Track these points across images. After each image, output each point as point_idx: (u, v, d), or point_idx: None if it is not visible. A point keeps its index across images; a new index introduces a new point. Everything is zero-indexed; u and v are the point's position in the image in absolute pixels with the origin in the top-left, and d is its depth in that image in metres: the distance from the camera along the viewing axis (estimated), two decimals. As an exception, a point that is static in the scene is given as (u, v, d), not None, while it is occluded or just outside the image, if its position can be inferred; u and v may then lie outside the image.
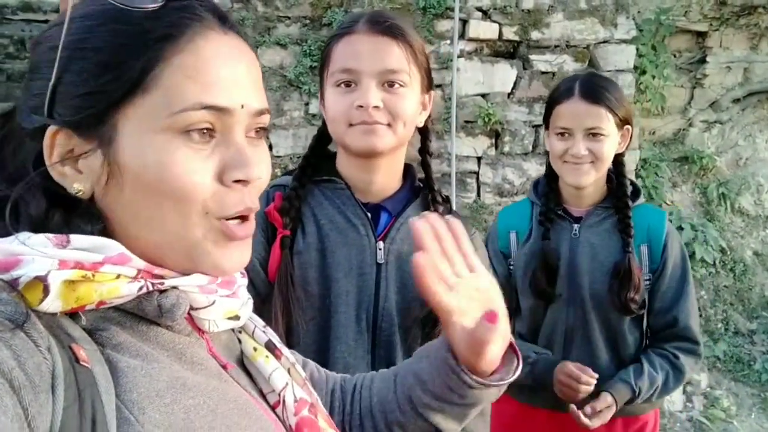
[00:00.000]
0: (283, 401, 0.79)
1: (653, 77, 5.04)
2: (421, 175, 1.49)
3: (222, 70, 0.68)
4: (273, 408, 0.80)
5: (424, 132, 1.45)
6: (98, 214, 0.68)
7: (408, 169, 1.46)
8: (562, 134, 1.83)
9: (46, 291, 0.59)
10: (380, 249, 1.34)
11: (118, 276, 0.64)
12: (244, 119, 0.70)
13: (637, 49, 4.90)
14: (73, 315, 0.63)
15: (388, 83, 1.28)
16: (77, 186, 0.67)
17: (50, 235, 0.63)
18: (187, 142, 0.66)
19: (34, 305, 0.59)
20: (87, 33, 0.66)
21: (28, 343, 0.56)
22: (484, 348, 0.87)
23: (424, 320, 1.34)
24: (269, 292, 1.32)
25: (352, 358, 1.32)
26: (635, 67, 4.92)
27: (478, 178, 4.79)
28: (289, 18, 4.67)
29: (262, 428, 0.72)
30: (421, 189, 1.45)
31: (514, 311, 2.01)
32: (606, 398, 1.80)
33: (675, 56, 5.31)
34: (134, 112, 0.65)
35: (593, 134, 1.79)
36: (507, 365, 0.95)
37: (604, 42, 4.81)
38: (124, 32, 0.66)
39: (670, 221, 1.96)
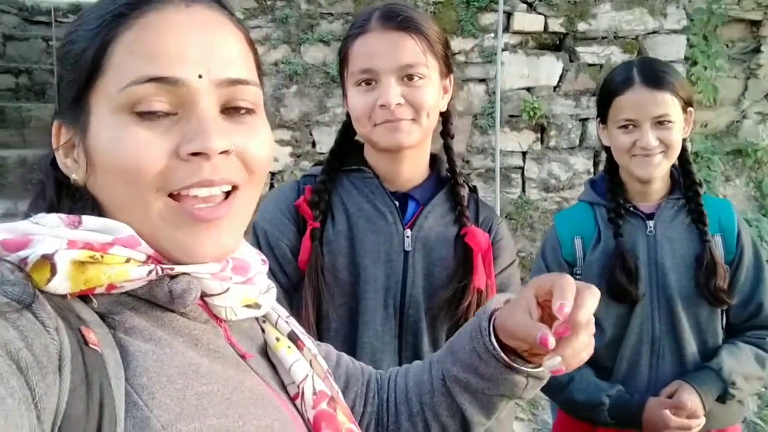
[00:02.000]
0: (302, 393, 0.78)
1: (705, 68, 4.88)
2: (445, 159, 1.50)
3: (170, 42, 0.66)
4: (293, 400, 0.79)
5: (446, 115, 1.46)
6: (91, 202, 0.69)
7: (435, 159, 1.48)
8: (626, 127, 1.73)
9: (53, 270, 0.59)
10: (407, 237, 1.38)
11: (128, 260, 0.64)
12: (208, 90, 0.67)
13: (688, 40, 4.76)
14: (85, 298, 0.63)
15: (407, 77, 1.30)
16: (74, 176, 0.70)
17: (63, 215, 0.64)
18: (138, 118, 0.65)
19: (41, 285, 0.59)
20: (71, 31, 0.70)
21: (35, 323, 0.55)
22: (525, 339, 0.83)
23: (449, 301, 1.36)
24: (300, 279, 1.35)
25: (379, 343, 1.36)
26: (686, 58, 4.78)
27: (523, 174, 4.72)
28: (332, 14, 4.67)
29: (277, 419, 0.70)
30: (448, 178, 1.46)
31: None
32: (682, 394, 1.70)
33: (728, 46, 5.13)
34: (97, 96, 0.66)
35: (661, 122, 1.70)
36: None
37: (654, 32, 4.69)
38: (89, 20, 0.68)
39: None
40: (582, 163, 4.67)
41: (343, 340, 1.35)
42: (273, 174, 4.70)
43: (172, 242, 0.67)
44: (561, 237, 1.89)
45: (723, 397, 1.76)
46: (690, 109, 1.77)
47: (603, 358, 1.83)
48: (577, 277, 1.84)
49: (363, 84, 1.32)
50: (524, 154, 4.70)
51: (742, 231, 1.80)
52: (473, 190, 1.50)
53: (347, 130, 1.47)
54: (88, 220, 0.64)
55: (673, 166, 1.83)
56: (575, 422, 1.88)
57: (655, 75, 1.72)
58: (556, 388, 1.79)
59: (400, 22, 1.29)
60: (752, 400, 4.16)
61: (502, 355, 0.88)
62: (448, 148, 1.48)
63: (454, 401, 0.94)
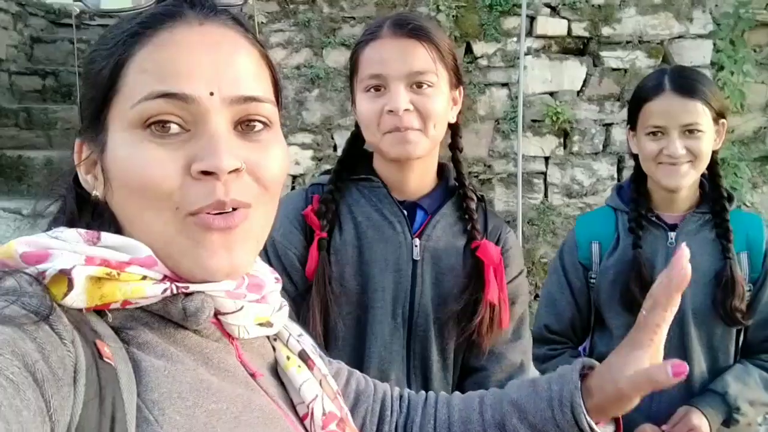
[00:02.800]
0: (312, 413, 0.78)
1: (732, 73, 4.81)
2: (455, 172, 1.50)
3: (182, 59, 0.66)
4: (302, 420, 0.78)
5: (454, 128, 1.45)
6: (109, 219, 0.70)
7: (443, 168, 1.47)
8: (654, 134, 1.70)
9: (70, 285, 0.60)
10: (416, 246, 1.38)
11: (144, 277, 0.64)
12: (218, 108, 0.66)
13: (714, 45, 4.70)
14: (100, 312, 0.64)
15: (416, 84, 1.30)
16: (95, 192, 0.71)
17: (82, 231, 0.65)
18: (150, 135, 0.65)
19: (59, 299, 0.59)
20: (93, 50, 0.71)
21: (52, 336, 0.56)
22: (640, 392, 0.84)
23: (460, 314, 1.36)
24: (307, 289, 1.35)
25: (387, 353, 1.35)
26: (712, 63, 4.72)
27: (545, 179, 4.69)
28: (354, 18, 4.68)
29: None
30: (456, 188, 1.46)
31: (592, 328, 1.91)
32: (693, 417, 1.67)
33: (755, 51, 5.06)
34: (114, 115, 0.67)
35: (690, 131, 1.66)
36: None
37: (679, 37, 4.64)
38: (108, 40, 0.69)
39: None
40: (605, 168, 4.62)
41: (351, 350, 1.35)
42: (294, 177, 4.72)
43: (186, 255, 0.66)
44: (579, 240, 1.88)
45: (727, 422, 1.72)
46: (722, 120, 1.72)
47: None
48: (592, 281, 1.85)
49: (372, 90, 1.32)
50: (547, 159, 4.67)
51: None
52: (481, 199, 1.49)
53: (356, 139, 1.47)
54: (107, 237, 0.65)
55: (704, 176, 1.80)
56: None
57: (686, 83, 1.68)
58: None
59: (411, 29, 1.29)
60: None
61: (596, 428, 0.87)
62: (456, 161, 1.47)
63: None
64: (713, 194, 1.77)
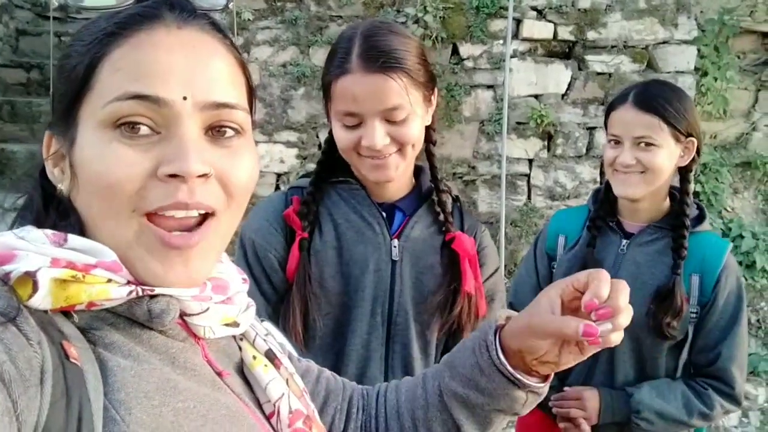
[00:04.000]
0: (278, 412, 0.78)
1: (715, 79, 4.86)
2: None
3: (157, 61, 0.66)
4: (268, 418, 0.79)
5: (429, 125, 1.44)
6: (75, 215, 0.69)
7: (420, 170, 1.49)
8: (614, 142, 1.78)
9: (35, 287, 0.60)
10: (395, 246, 1.40)
11: (109, 280, 0.64)
12: (190, 113, 0.66)
13: (699, 50, 4.74)
14: (66, 313, 0.64)
15: (392, 116, 1.29)
16: (60, 185, 0.70)
17: (48, 232, 0.64)
18: (120, 136, 0.65)
19: (24, 300, 0.60)
20: (69, 45, 0.71)
21: (19, 337, 0.56)
22: (548, 336, 0.85)
23: (440, 307, 1.39)
24: (286, 290, 1.37)
25: (365, 351, 1.38)
26: (696, 69, 4.76)
27: (529, 181, 4.72)
28: (341, 17, 4.68)
29: None
30: (432, 189, 1.47)
31: None
32: (586, 391, 1.78)
33: (739, 57, 5.10)
34: (84, 111, 0.67)
35: (642, 143, 1.72)
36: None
37: (664, 42, 4.67)
38: (85, 36, 0.69)
39: (732, 240, 1.84)
40: (588, 171, 4.65)
41: (328, 349, 1.37)
42: (279, 175, 4.72)
43: (143, 264, 0.66)
44: (549, 231, 2.01)
45: (626, 424, 1.78)
46: (690, 139, 1.75)
47: None
48: (552, 270, 1.95)
49: (347, 120, 1.31)
50: (530, 161, 4.69)
51: (726, 277, 1.75)
52: (456, 199, 1.52)
53: (334, 143, 1.44)
54: (74, 239, 0.65)
55: (677, 190, 1.82)
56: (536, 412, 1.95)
57: (646, 98, 1.73)
58: None
59: (382, 64, 1.26)
60: (755, 415, 4.13)
61: (509, 368, 0.88)
62: (429, 154, 1.48)
63: (451, 417, 0.94)
64: (678, 210, 1.79)
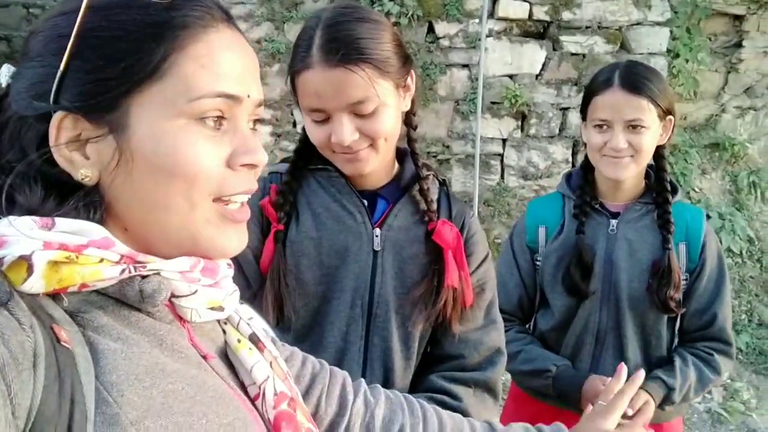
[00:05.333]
0: (263, 394, 0.80)
1: (687, 61, 4.91)
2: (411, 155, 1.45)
3: (232, 62, 0.72)
4: (253, 401, 0.81)
5: (408, 110, 1.38)
6: (100, 200, 0.69)
7: (405, 154, 1.43)
8: (600, 126, 1.76)
9: (30, 270, 0.61)
10: (377, 236, 1.35)
11: (101, 260, 0.65)
12: (248, 108, 0.75)
13: (671, 32, 4.78)
14: (54, 296, 0.65)
15: (359, 110, 1.23)
16: (84, 171, 0.68)
17: (36, 218, 0.64)
18: (201, 128, 0.70)
19: (17, 285, 0.60)
20: (104, 22, 0.68)
21: (12, 321, 0.56)
22: None
23: (423, 300, 1.34)
24: (262, 283, 1.32)
25: (344, 343, 1.34)
26: (668, 50, 4.81)
27: (502, 161, 4.75)
28: (316, -7, 4.64)
29: (239, 418, 0.73)
30: (416, 175, 1.42)
31: (537, 307, 1.99)
32: (642, 395, 1.74)
33: (710, 40, 5.16)
34: (148, 99, 0.68)
35: (633, 126, 1.72)
36: None
37: (637, 24, 4.71)
38: (144, 21, 0.68)
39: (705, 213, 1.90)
40: (561, 152, 4.70)
41: (303, 340, 1.33)
42: (253, 153, 4.69)
43: (209, 240, 0.73)
44: (527, 224, 1.96)
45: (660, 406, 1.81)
46: (669, 117, 1.78)
47: (550, 341, 1.92)
48: (537, 263, 1.92)
49: (315, 115, 1.26)
50: (504, 141, 4.72)
51: (709, 242, 1.82)
52: (443, 183, 1.47)
53: None
54: (61, 222, 0.65)
55: (650, 167, 1.86)
56: (524, 395, 1.96)
57: (634, 79, 1.73)
58: (508, 358, 1.87)
59: (342, 56, 1.19)
60: (717, 391, 4.25)
61: None
62: (410, 139, 1.42)
63: None
64: (658, 186, 1.83)
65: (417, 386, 1.42)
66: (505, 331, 1.78)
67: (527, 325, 2.04)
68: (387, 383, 1.35)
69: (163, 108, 0.68)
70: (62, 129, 0.67)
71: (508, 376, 1.99)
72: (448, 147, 4.71)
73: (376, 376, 1.35)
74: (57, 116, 0.67)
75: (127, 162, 0.68)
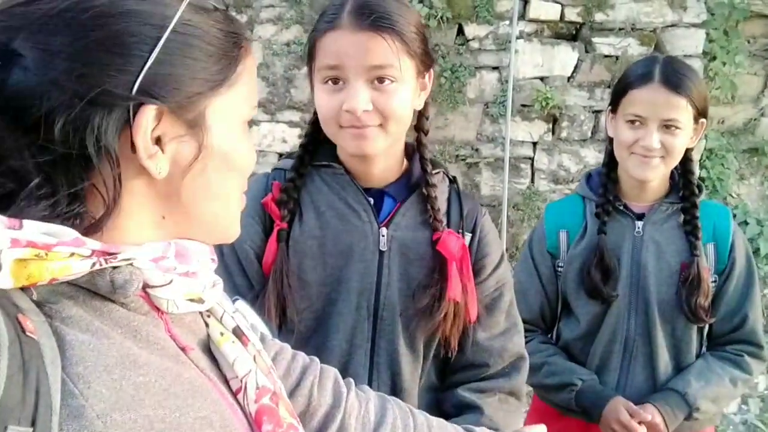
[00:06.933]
0: (245, 388, 0.80)
1: (724, 64, 4.79)
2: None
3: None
4: (235, 394, 0.80)
5: (421, 111, 1.37)
6: (86, 211, 0.66)
7: (414, 151, 1.40)
8: (633, 122, 1.68)
9: None
10: (383, 236, 1.31)
11: (72, 254, 0.63)
12: None
13: (708, 34, 4.67)
14: (22, 287, 0.63)
15: (377, 79, 1.21)
16: (161, 165, 0.69)
17: (2, 218, 0.62)
18: (247, 130, 0.79)
19: None
20: (194, 22, 0.69)
21: None
22: None
23: (425, 309, 1.30)
24: (264, 283, 1.29)
25: (349, 346, 1.30)
26: (704, 53, 4.70)
27: (532, 164, 4.68)
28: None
29: (216, 412, 0.71)
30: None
31: (559, 316, 1.92)
32: (649, 414, 1.69)
33: (749, 42, 5.03)
34: (222, 102, 0.72)
35: (668, 126, 1.64)
36: None
37: (672, 26, 4.61)
38: (224, 30, 0.73)
39: (734, 216, 1.83)
40: (593, 155, 4.61)
41: (307, 343, 1.29)
42: (280, 155, 4.69)
43: (235, 228, 0.82)
44: (547, 229, 1.88)
45: (688, 417, 1.74)
46: (702, 120, 1.70)
47: (576, 351, 1.84)
48: (559, 269, 1.84)
49: (330, 82, 1.24)
50: (535, 144, 4.66)
51: (737, 241, 1.76)
52: (453, 180, 1.43)
53: (317, 124, 1.38)
54: (29, 224, 0.62)
55: (675, 168, 1.79)
56: (547, 408, 1.89)
57: (675, 76, 1.65)
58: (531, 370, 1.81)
59: (372, 21, 1.18)
60: (753, 402, 4.12)
61: None
62: (420, 144, 1.39)
63: None
64: (684, 189, 1.76)
65: (444, 401, 1.39)
66: (527, 342, 1.73)
67: (549, 335, 1.97)
68: (395, 387, 1.32)
69: (234, 111, 0.75)
70: (147, 124, 0.66)
71: (530, 388, 1.93)
72: (477, 150, 4.66)
73: (383, 380, 1.32)
74: (154, 109, 0.65)
75: (206, 159, 0.72)
